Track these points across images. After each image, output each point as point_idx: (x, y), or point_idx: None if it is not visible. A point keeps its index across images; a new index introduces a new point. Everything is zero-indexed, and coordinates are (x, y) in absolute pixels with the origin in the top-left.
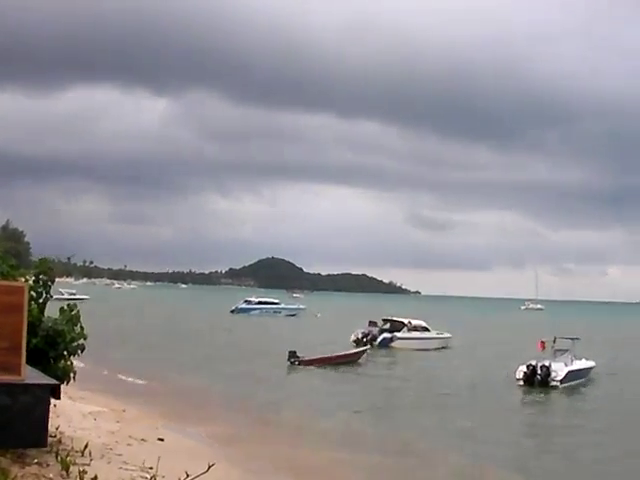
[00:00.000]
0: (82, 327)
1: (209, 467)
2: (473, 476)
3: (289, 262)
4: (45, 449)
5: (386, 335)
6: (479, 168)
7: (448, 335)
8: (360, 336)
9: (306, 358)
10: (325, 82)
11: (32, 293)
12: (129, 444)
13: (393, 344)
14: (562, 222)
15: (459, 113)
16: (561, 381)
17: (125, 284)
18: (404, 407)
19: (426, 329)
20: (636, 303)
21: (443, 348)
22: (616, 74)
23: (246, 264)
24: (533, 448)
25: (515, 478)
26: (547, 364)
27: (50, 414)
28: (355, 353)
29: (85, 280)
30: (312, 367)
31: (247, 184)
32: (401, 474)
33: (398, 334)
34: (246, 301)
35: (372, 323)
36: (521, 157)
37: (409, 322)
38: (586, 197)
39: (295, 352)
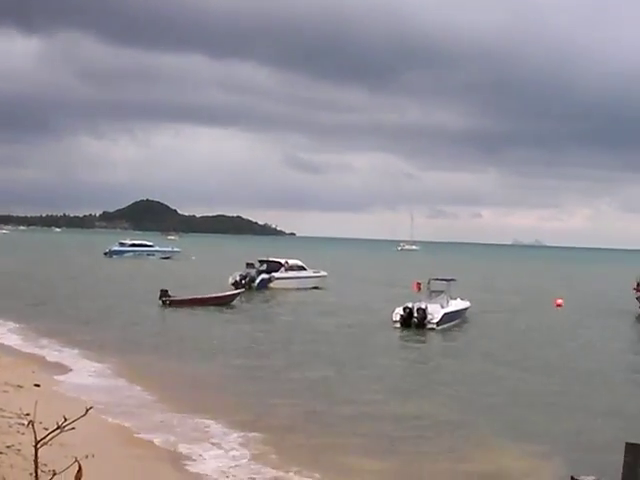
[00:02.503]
0: None
1: (87, 410)
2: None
3: (163, 204)
4: None
5: (264, 276)
6: (354, 110)
7: (324, 273)
8: (238, 278)
9: (177, 298)
10: (198, 22)
11: None
12: (5, 391)
13: (271, 284)
14: (437, 164)
15: (334, 54)
16: (437, 323)
17: None
18: (278, 348)
19: (303, 268)
20: (509, 245)
21: (318, 288)
22: (495, 18)
23: (120, 207)
24: (407, 390)
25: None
26: (424, 306)
27: None
28: (228, 295)
29: None
30: (184, 307)
31: (121, 126)
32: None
33: (276, 274)
34: (120, 243)
35: (249, 265)
36: (396, 99)
37: (286, 262)
38: (461, 140)
39: (167, 291)
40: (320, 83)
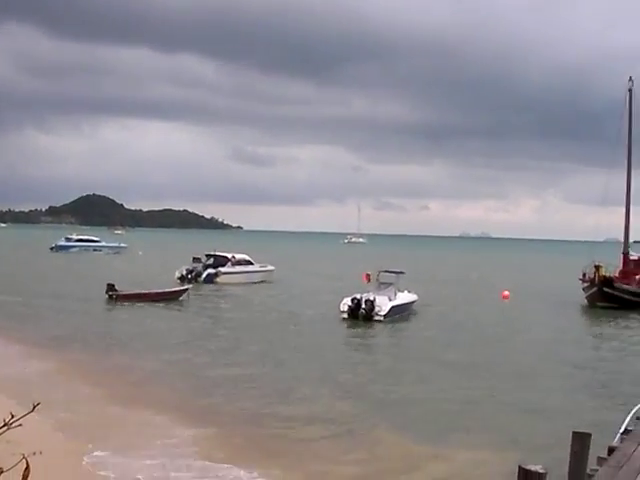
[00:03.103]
0: None
1: (34, 407)
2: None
3: (110, 199)
4: None
5: (210, 271)
6: (301, 103)
7: (271, 267)
8: (185, 273)
9: (124, 293)
10: (146, 16)
11: None
12: None
13: (218, 279)
14: (384, 157)
15: (280, 47)
16: (385, 315)
17: None
18: (223, 344)
19: (250, 262)
20: (456, 237)
21: (265, 282)
22: (442, 12)
23: (67, 201)
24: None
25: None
26: (372, 298)
27: None
28: (175, 291)
29: None
30: (131, 302)
31: (67, 120)
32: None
33: (222, 269)
34: (66, 238)
35: (196, 259)
36: (343, 91)
37: (233, 256)
38: (408, 132)
39: (113, 285)
40: (267, 76)
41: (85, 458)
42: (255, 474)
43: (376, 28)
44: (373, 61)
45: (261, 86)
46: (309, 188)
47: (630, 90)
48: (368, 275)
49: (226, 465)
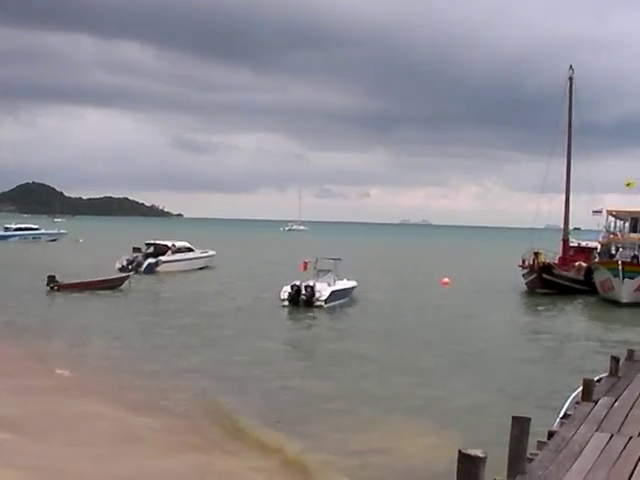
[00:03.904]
0: None
1: None
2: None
3: (49, 187)
4: None
5: (151, 260)
6: (241, 90)
7: (212, 252)
8: (125, 263)
9: (66, 283)
10: (85, 2)
11: None
12: None
13: (159, 268)
14: (324, 144)
15: (221, 34)
16: (325, 301)
17: None
18: (165, 332)
19: (190, 249)
20: (397, 224)
21: (207, 268)
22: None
23: (5, 190)
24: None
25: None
26: (311, 284)
27: None
28: (117, 279)
29: None
30: (72, 292)
31: (5, 107)
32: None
33: (163, 258)
34: (5, 228)
35: (136, 249)
36: (283, 79)
37: (173, 245)
38: (350, 120)
39: (54, 277)
40: (208, 63)
41: None
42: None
43: (317, 15)
44: (314, 48)
45: (202, 73)
46: (250, 176)
47: (570, 78)
48: (306, 263)
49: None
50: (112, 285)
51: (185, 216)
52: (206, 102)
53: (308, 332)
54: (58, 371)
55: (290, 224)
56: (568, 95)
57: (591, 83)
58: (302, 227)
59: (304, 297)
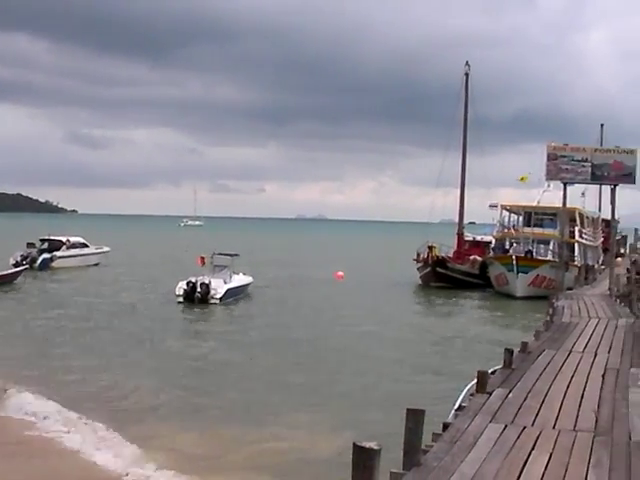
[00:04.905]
0: None
1: None
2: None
3: None
4: None
5: (45, 256)
6: (137, 84)
7: (107, 249)
8: (19, 259)
9: None
10: None
11: None
12: None
13: (53, 264)
14: (220, 139)
15: (116, 28)
16: (221, 298)
17: None
18: (54, 332)
19: (85, 245)
20: (292, 219)
21: (101, 264)
22: None
23: None
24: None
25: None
26: (207, 281)
27: None
28: (11, 274)
29: None
30: None
31: None
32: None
33: (58, 253)
34: None
35: (30, 245)
36: (179, 73)
37: (67, 240)
38: (244, 115)
39: None
40: (103, 57)
41: None
42: None
43: (212, 10)
44: (208, 43)
45: (98, 67)
46: (146, 171)
47: (466, 74)
48: (202, 258)
49: None
50: (5, 280)
51: (80, 212)
52: (102, 97)
53: (196, 334)
54: None
55: (186, 220)
56: (464, 91)
57: (486, 79)
58: (198, 222)
59: (199, 294)
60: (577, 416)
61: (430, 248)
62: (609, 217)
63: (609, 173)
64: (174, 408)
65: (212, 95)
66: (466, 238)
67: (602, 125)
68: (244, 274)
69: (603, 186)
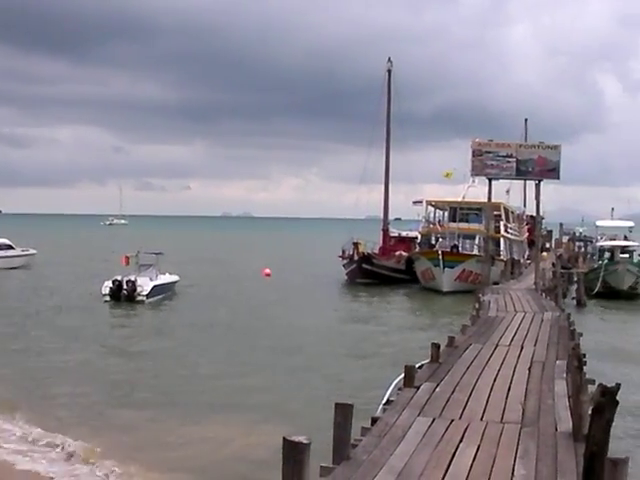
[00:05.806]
0: None
1: None
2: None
3: None
4: None
5: None
6: (60, 81)
7: (33, 251)
8: None
9: None
10: None
11: None
12: None
13: None
14: (145, 137)
15: (38, 24)
16: (147, 296)
17: None
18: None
19: (10, 247)
20: (218, 217)
21: (27, 266)
22: None
23: None
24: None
25: None
26: (133, 279)
27: None
28: None
29: None
30: None
31: None
32: None
33: None
34: None
35: None
36: (102, 71)
37: None
38: (168, 112)
39: None
40: (25, 54)
41: None
42: None
43: (136, 7)
44: (132, 40)
45: (18, 64)
46: (69, 169)
47: (389, 70)
48: (127, 258)
49: None
50: None
51: (4, 212)
52: (24, 95)
53: (122, 329)
54: None
55: (111, 218)
56: (387, 87)
57: (409, 75)
58: (123, 221)
59: (125, 292)
60: (504, 408)
61: (356, 244)
62: (534, 213)
63: (534, 168)
64: (100, 406)
65: (137, 93)
66: (392, 234)
67: (526, 120)
68: (170, 274)
69: (528, 182)
